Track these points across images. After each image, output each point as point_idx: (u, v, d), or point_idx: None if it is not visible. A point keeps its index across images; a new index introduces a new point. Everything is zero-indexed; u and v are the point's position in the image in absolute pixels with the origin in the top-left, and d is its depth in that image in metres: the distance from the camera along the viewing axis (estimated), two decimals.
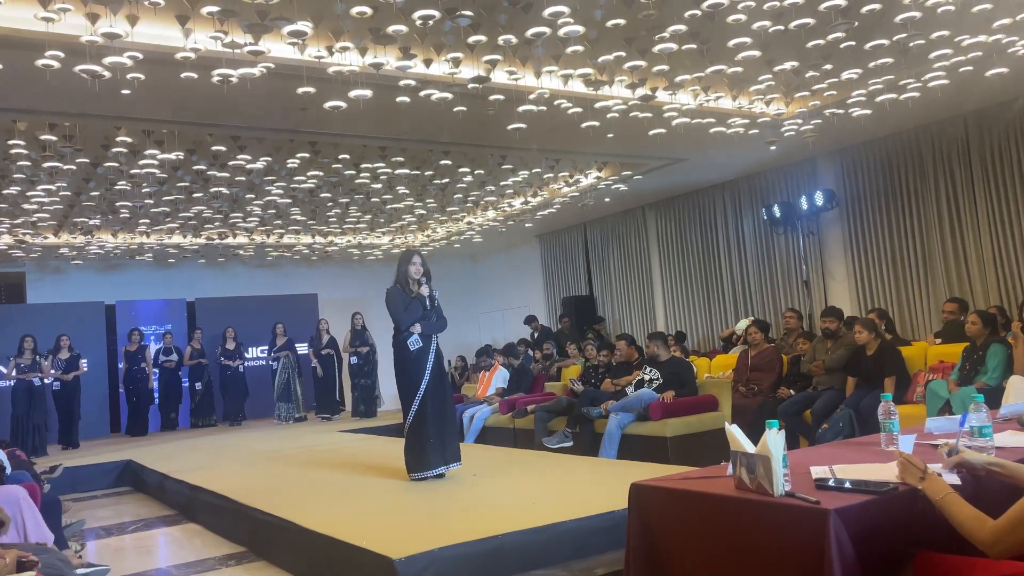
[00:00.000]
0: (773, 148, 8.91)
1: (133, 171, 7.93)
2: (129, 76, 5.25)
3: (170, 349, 12.31)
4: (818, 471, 2.49)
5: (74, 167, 7.73)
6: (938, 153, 8.81)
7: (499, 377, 9.82)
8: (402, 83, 5.89)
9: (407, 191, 10.01)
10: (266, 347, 12.77)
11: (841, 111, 7.65)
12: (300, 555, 4.12)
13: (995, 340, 5.92)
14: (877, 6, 5.27)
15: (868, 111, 7.57)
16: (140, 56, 5.03)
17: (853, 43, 5.89)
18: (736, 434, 2.43)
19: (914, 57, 6.33)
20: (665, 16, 5.29)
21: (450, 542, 3.44)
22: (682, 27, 5.40)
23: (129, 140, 7.06)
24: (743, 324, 9.63)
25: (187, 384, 12.59)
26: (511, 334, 13.64)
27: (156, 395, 12.18)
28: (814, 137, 8.48)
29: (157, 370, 12.18)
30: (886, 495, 2.19)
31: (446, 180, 9.61)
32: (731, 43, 5.72)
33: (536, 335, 12.52)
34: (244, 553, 4.67)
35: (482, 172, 9.38)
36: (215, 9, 4.68)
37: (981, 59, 6.44)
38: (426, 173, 9.20)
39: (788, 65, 6.35)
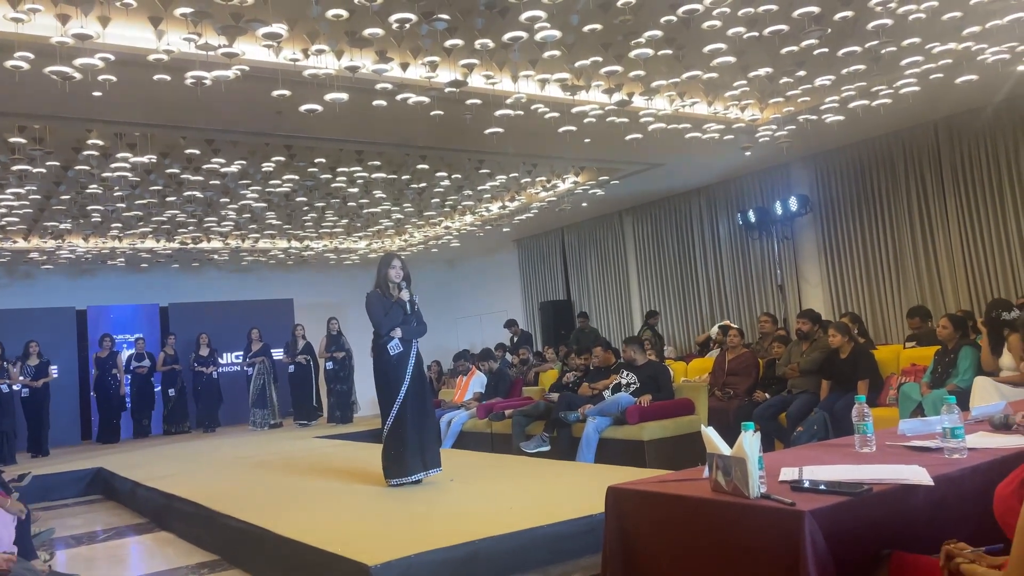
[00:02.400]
0: (748, 154, 8.99)
1: (105, 174, 7.83)
2: (100, 78, 5.19)
3: (142, 355, 12.15)
4: (788, 472, 2.50)
5: (44, 170, 7.61)
6: (909, 159, 8.94)
7: (477, 382, 9.80)
8: (378, 87, 5.87)
9: (384, 195, 9.97)
10: (241, 353, 12.65)
11: (815, 117, 7.74)
12: (274, 563, 4.07)
13: (966, 343, 6.00)
14: (849, 13, 5.34)
15: (841, 117, 7.66)
16: (112, 57, 4.96)
17: (826, 50, 5.96)
18: (712, 436, 2.43)
19: (886, 64, 6.42)
20: (641, 22, 5.32)
21: (426, 548, 3.41)
22: (658, 33, 5.44)
23: (100, 143, 6.97)
24: (717, 329, 9.71)
25: (160, 390, 12.44)
26: (489, 339, 13.61)
27: (128, 401, 12.02)
28: (788, 143, 8.56)
29: (129, 376, 12.02)
30: (860, 496, 2.20)
31: (423, 184, 9.59)
32: (706, 49, 5.77)
33: (516, 339, 12.51)
34: (217, 561, 4.60)
35: (459, 176, 9.37)
36: (188, 10, 4.63)
37: (951, 66, 6.54)
38: (403, 177, 9.17)
39: (762, 71, 6.40)
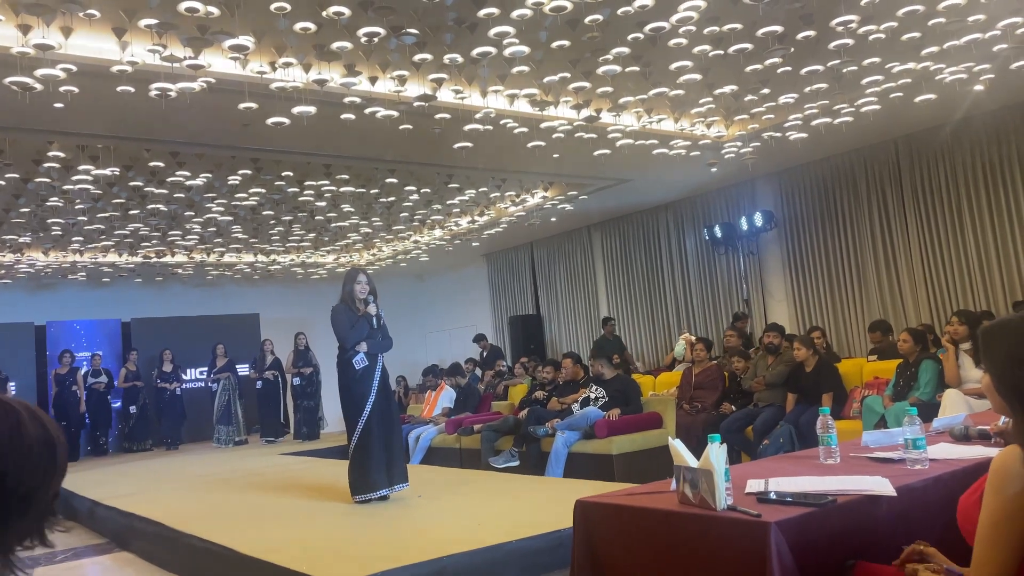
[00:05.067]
0: (714, 170, 9.10)
1: (66, 187, 7.69)
2: (62, 89, 5.10)
3: (99, 371, 11.91)
4: (754, 484, 2.51)
5: (3, 182, 7.46)
6: (871, 176, 9.12)
7: (445, 397, 9.75)
8: (347, 100, 5.85)
9: (352, 209, 9.91)
10: (205, 368, 12.45)
11: (779, 134, 7.86)
12: None
13: (926, 356, 6.11)
14: (812, 33, 5.45)
15: (804, 135, 7.80)
16: (74, 69, 4.88)
17: (789, 68, 6.08)
18: (679, 449, 2.44)
19: (847, 83, 6.55)
20: (608, 39, 5.37)
21: (394, 565, 3.38)
22: (625, 50, 5.50)
23: (62, 155, 6.84)
24: (680, 348, 9.77)
25: (120, 407, 12.19)
26: (458, 353, 13.56)
27: (87, 419, 11.76)
28: (753, 159, 8.69)
29: (86, 393, 11.77)
30: (825, 507, 2.22)
31: (392, 198, 9.56)
32: (673, 66, 5.84)
33: (485, 354, 12.47)
34: None
35: (428, 191, 9.36)
36: (153, 22, 4.59)
37: (910, 86, 6.70)
38: (371, 191, 9.14)
39: (728, 89, 6.50)
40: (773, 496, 2.34)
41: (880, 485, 2.38)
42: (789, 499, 2.29)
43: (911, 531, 2.34)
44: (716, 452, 2.29)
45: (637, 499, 2.56)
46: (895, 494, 2.33)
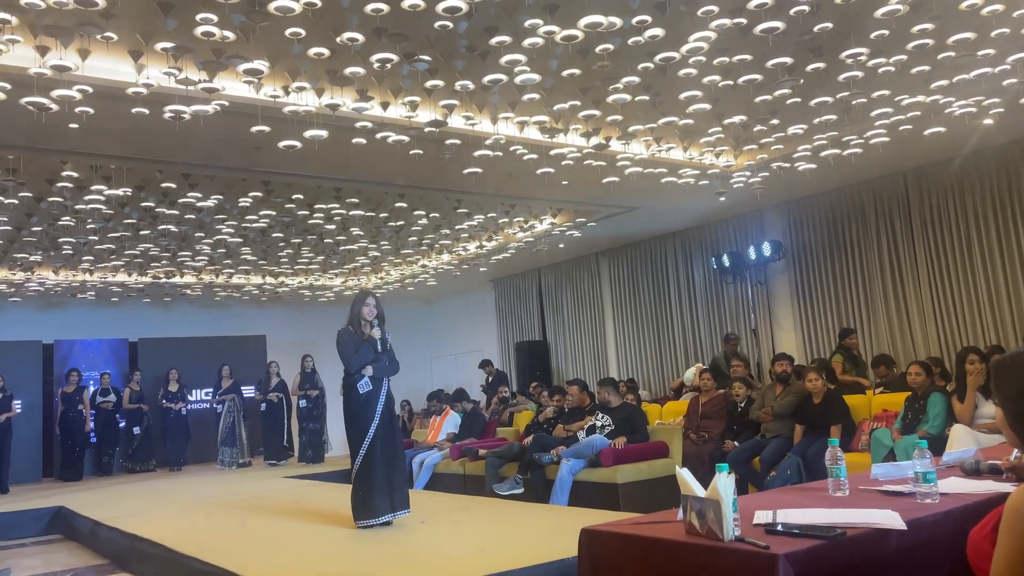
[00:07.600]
0: (723, 199, 9.11)
1: (78, 207, 7.75)
2: (78, 110, 5.16)
3: (107, 390, 11.93)
4: (762, 515, 2.49)
5: (16, 201, 7.52)
6: (880, 208, 9.11)
7: (450, 422, 9.71)
8: (358, 125, 5.90)
9: (361, 233, 9.96)
10: (210, 390, 12.45)
11: (787, 165, 7.88)
12: None
13: (935, 390, 6.06)
14: (821, 65, 5.48)
15: (813, 165, 7.81)
16: (90, 90, 4.94)
17: (799, 99, 6.10)
18: (687, 478, 2.42)
19: (856, 115, 6.57)
20: (619, 68, 5.42)
21: None
22: (635, 79, 5.55)
23: (75, 175, 6.91)
24: (691, 373, 9.72)
25: (124, 427, 12.18)
26: (464, 378, 13.53)
27: (94, 438, 11.75)
28: (762, 189, 8.70)
29: (94, 411, 11.77)
30: (834, 540, 2.19)
31: (401, 223, 9.60)
32: (682, 96, 5.87)
33: (491, 379, 12.44)
34: None
35: (437, 215, 9.39)
36: (169, 45, 4.65)
37: (920, 118, 6.71)
38: (381, 215, 9.18)
39: (737, 119, 6.53)
40: (781, 528, 2.31)
41: (890, 518, 2.35)
42: (797, 531, 2.26)
43: (920, 565, 2.31)
44: (724, 482, 2.27)
45: (643, 528, 2.53)
46: (905, 528, 2.30)
